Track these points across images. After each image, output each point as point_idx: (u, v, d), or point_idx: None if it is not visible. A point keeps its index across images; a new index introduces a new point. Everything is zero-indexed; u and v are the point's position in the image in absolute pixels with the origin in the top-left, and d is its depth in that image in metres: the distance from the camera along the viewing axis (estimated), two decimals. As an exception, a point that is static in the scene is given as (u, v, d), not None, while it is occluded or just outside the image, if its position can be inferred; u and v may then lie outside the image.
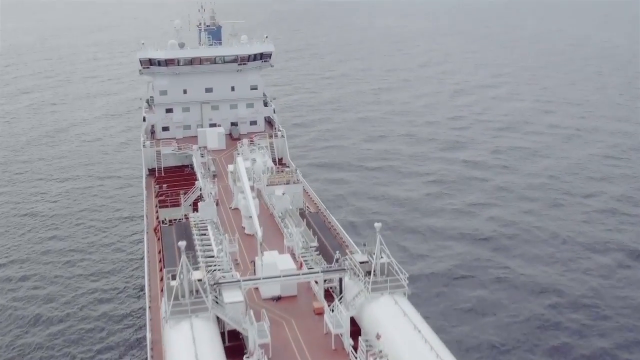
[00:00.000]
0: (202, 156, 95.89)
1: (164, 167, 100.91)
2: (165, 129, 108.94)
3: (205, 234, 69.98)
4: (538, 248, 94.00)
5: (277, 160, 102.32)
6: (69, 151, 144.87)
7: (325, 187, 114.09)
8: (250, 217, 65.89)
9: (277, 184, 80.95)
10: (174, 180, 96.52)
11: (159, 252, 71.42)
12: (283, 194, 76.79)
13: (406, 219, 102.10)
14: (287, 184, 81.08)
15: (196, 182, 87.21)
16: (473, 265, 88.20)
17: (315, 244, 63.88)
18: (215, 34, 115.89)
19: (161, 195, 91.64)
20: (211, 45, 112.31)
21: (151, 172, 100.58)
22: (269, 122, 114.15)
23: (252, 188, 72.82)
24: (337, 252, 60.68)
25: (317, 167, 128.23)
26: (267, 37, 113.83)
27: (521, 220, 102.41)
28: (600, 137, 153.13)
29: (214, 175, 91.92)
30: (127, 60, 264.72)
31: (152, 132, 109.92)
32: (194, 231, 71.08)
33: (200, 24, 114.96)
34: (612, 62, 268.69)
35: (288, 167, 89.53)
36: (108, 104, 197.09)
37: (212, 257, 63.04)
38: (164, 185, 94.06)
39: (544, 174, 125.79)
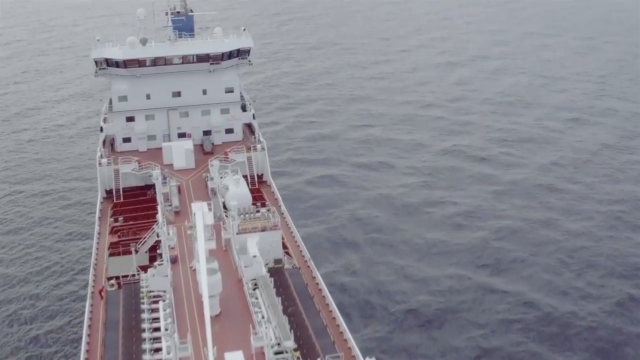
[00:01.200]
0: (165, 182, 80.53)
1: (124, 188, 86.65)
2: (126, 140, 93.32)
3: (157, 310, 56.93)
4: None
5: (256, 178, 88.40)
6: (23, 143, 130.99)
7: (310, 214, 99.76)
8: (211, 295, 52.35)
9: (250, 231, 67.26)
10: (134, 209, 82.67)
11: (104, 324, 58.48)
12: (254, 256, 61.76)
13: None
14: (263, 230, 67.71)
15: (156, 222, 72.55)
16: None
17: (292, 344, 50.54)
18: (185, 25, 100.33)
19: (116, 233, 78.39)
20: (180, 37, 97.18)
21: (109, 193, 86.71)
22: (249, 128, 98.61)
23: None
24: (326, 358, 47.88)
25: (301, 175, 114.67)
26: (244, 29, 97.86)
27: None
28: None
29: (176, 212, 77.02)
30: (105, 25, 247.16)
31: (112, 144, 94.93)
32: (145, 301, 58.01)
33: (167, 12, 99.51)
34: (620, 26, 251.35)
35: (267, 206, 74.11)
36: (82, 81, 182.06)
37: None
38: (120, 218, 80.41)
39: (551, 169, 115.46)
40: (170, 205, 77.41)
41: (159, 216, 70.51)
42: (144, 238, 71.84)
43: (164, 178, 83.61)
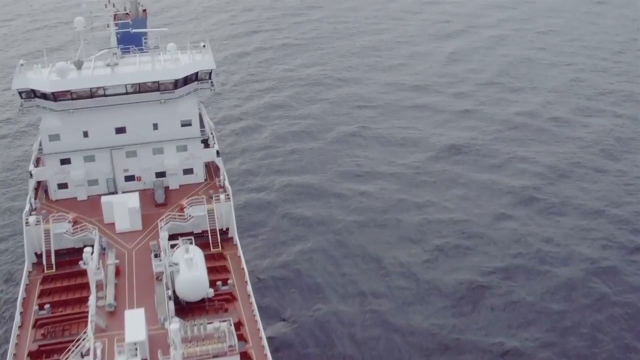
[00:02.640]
0: (103, 248, 65.01)
1: (58, 251, 69.88)
2: (62, 186, 76.30)
3: None
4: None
5: (219, 236, 71.57)
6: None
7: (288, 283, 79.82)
8: None
9: (199, 357, 52.41)
10: (66, 288, 66.17)
11: None
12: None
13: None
14: (216, 357, 52.41)
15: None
16: None
17: None
18: (133, 38, 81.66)
19: (40, 327, 63.16)
20: (127, 52, 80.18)
21: (39, 258, 70.11)
22: (213, 167, 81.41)
23: None
24: None
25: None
26: (204, 45, 79.86)
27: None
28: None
29: (110, 312, 59.92)
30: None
31: (46, 192, 77.83)
32: None
33: (111, 17, 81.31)
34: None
35: (228, 284, 62.42)
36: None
37: None
38: (47, 305, 63.36)
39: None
40: (104, 298, 60.38)
41: (88, 324, 55.83)
42: (69, 351, 55.48)
43: (103, 248, 68.45)
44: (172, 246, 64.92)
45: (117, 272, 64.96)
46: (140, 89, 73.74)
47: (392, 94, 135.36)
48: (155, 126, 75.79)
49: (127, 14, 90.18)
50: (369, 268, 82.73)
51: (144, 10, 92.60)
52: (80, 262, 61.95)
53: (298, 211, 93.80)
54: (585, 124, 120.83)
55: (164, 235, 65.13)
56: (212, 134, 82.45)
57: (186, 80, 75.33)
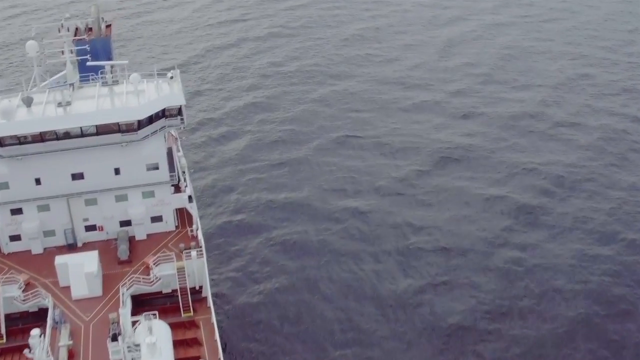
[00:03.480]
0: (56, 322, 56.80)
1: (9, 315, 61.60)
2: (14, 238, 67.52)
3: None
4: None
5: (189, 297, 62.83)
6: None
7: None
8: None
9: None
10: None
11: None
12: None
13: None
14: None
15: None
16: None
17: None
18: (98, 52, 73.00)
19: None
20: (86, 80, 71.33)
21: None
22: (185, 210, 71.45)
23: None
24: None
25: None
26: (171, 76, 69.94)
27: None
28: None
29: None
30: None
31: None
32: None
33: (69, 41, 71.19)
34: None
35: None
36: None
37: None
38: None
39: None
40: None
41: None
42: None
43: (56, 322, 60.54)
44: (135, 322, 56.55)
45: (71, 356, 57.59)
46: (99, 130, 64.80)
47: (386, 92, 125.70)
48: (117, 171, 66.75)
49: (89, 29, 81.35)
50: (371, 325, 72.33)
51: (108, 26, 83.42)
52: (26, 351, 54.27)
53: (281, 238, 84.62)
54: (591, 126, 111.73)
55: (124, 312, 57.26)
56: (184, 174, 73.24)
57: (151, 119, 66.28)
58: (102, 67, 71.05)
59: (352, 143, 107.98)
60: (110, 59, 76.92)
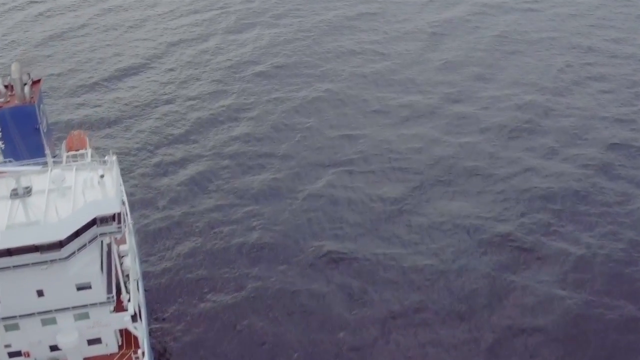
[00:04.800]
0: None
1: None
2: None
3: None
4: None
5: None
6: None
7: None
8: None
9: None
10: None
11: None
12: None
13: None
14: None
15: None
16: None
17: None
18: (22, 122, 60.44)
19: None
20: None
21: None
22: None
23: None
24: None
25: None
26: (102, 174, 55.53)
27: None
28: None
29: None
30: None
31: None
32: None
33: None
34: None
35: None
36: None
37: None
38: None
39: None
40: None
41: None
42: None
43: None
44: None
45: None
46: (12, 251, 52.83)
47: (379, 101, 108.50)
48: (40, 293, 54.53)
49: (7, 86, 67.50)
50: None
51: (35, 82, 69.47)
52: None
53: (252, 328, 67.71)
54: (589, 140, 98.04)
55: None
56: (124, 286, 58.70)
57: (78, 233, 54.07)
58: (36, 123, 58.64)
59: (340, 191, 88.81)
60: (37, 128, 64.21)
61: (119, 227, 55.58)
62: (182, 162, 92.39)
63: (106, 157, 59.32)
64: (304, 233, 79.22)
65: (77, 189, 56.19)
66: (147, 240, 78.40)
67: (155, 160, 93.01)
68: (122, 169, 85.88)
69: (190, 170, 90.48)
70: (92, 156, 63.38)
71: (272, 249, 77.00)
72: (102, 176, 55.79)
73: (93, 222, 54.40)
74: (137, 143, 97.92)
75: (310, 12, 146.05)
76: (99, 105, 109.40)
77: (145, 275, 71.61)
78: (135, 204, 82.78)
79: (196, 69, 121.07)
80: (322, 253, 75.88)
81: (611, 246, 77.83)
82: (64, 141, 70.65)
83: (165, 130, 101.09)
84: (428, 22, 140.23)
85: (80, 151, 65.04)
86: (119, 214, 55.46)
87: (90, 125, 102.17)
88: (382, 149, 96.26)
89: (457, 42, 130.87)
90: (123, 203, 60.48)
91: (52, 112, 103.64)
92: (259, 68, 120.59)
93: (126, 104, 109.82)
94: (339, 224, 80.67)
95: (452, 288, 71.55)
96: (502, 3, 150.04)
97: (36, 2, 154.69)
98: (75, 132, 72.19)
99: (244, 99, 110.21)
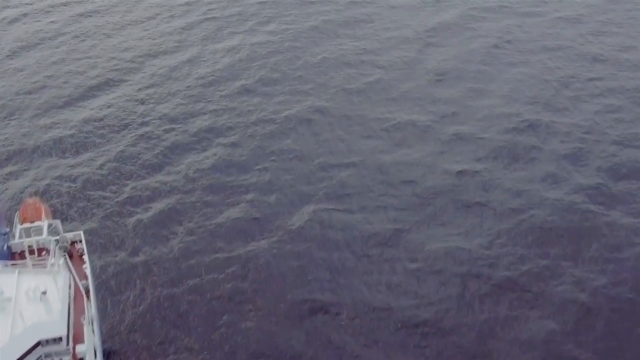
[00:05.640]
0: None
1: None
2: None
3: None
4: None
5: None
6: None
7: None
8: None
9: None
10: None
11: None
12: None
13: None
14: None
15: None
16: None
17: None
18: None
19: None
20: None
21: None
22: None
23: None
24: None
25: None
26: (44, 292, 48.27)
27: None
28: None
29: None
30: None
31: None
32: None
33: None
34: None
35: None
36: None
37: None
38: None
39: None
40: None
41: None
42: None
43: None
44: None
45: None
46: None
47: (370, 122, 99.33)
48: None
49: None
50: None
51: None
52: None
53: None
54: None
55: None
56: None
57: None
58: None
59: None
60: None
61: (68, 348, 47.51)
62: (153, 196, 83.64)
63: (52, 261, 52.01)
64: (283, 280, 70.63)
65: (18, 301, 48.48)
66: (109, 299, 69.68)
67: (124, 192, 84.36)
68: (87, 204, 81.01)
69: (162, 204, 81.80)
70: (48, 227, 58.05)
71: (247, 299, 68.40)
72: (44, 293, 48.07)
73: (37, 344, 46.52)
74: (106, 172, 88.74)
75: (296, 19, 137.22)
76: (68, 127, 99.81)
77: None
78: (98, 247, 74.33)
79: (174, 84, 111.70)
80: (303, 303, 67.60)
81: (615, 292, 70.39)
82: (17, 211, 63.90)
83: (137, 158, 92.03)
84: (421, 30, 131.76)
85: (36, 223, 59.25)
86: (64, 339, 47.76)
87: (58, 151, 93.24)
88: (371, 178, 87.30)
89: (452, 51, 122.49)
90: (87, 291, 54.43)
91: (17, 136, 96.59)
92: (240, 83, 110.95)
93: (97, 126, 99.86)
94: (322, 270, 71.76)
95: (447, 344, 63.84)
96: (499, 7, 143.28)
97: (8, 7, 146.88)
98: (30, 201, 65.44)
99: (225, 119, 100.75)
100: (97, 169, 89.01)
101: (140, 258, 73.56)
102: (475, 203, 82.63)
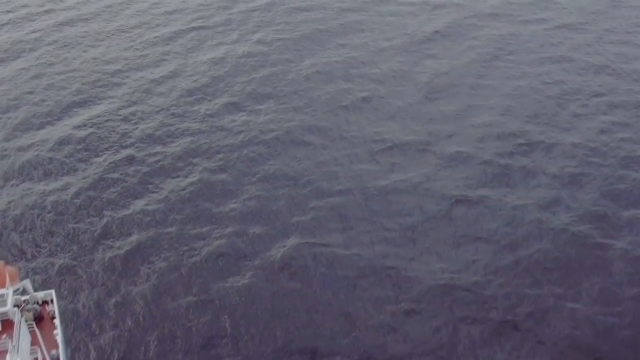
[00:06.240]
0: None
1: None
2: None
3: None
4: None
5: None
6: None
7: None
8: None
9: None
10: None
11: None
12: None
13: None
14: None
15: None
16: None
17: None
18: None
19: None
20: None
21: None
22: None
23: None
24: None
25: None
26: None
27: None
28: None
29: None
30: None
31: None
32: None
33: None
34: None
35: None
36: None
37: None
38: None
39: None
40: None
41: None
42: None
43: None
44: None
45: None
46: None
47: (362, 143, 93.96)
48: None
49: None
50: None
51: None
52: None
53: None
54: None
55: None
56: None
57: None
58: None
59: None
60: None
61: None
62: (131, 227, 77.87)
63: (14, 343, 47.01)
64: (265, 323, 65.89)
65: None
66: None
67: (101, 224, 78.63)
68: (61, 239, 75.55)
69: (140, 236, 76.23)
70: (15, 292, 53.75)
71: (226, 345, 63.49)
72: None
73: None
74: (83, 200, 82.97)
75: (286, 28, 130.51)
76: (45, 149, 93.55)
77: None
78: (71, 290, 69.16)
79: (157, 100, 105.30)
80: (287, 349, 62.91)
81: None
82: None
83: (117, 184, 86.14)
84: (416, 40, 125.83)
85: (0, 291, 54.46)
86: None
87: (33, 175, 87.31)
88: (361, 207, 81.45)
89: (447, 63, 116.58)
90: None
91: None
92: (226, 100, 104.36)
93: (75, 149, 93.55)
94: (305, 311, 66.91)
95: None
96: (497, 15, 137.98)
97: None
98: (-6, 266, 62.74)
99: (209, 140, 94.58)
100: (73, 197, 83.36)
101: (114, 299, 68.24)
102: (470, 236, 77.22)
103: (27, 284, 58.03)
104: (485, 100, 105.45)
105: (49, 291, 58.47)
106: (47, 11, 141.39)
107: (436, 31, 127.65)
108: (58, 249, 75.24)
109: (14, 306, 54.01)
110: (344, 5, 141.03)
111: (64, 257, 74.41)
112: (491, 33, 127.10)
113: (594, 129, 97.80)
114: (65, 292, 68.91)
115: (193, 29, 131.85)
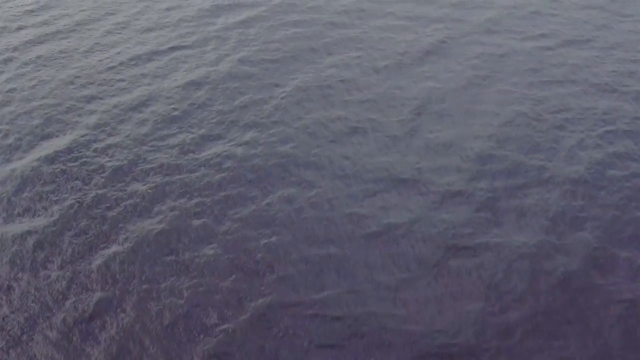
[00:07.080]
0: None
1: None
2: None
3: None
4: None
5: None
6: None
7: None
8: None
9: None
10: None
11: None
12: None
13: None
14: None
15: None
16: None
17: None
18: None
19: None
20: None
21: None
22: None
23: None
24: None
25: None
26: None
27: None
28: None
29: None
30: None
31: None
32: None
33: None
34: None
35: None
36: None
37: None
38: None
39: None
40: None
41: None
42: None
43: None
44: None
45: None
46: None
47: (351, 176, 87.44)
48: None
49: None
50: None
51: None
52: None
53: None
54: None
55: None
56: None
57: None
58: None
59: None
60: None
61: None
62: (89, 285, 75.31)
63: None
64: None
65: None
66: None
67: (60, 282, 76.19)
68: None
69: (96, 297, 73.45)
70: None
71: None
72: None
73: None
74: (43, 253, 79.06)
75: (268, 46, 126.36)
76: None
77: None
78: None
79: (125, 126, 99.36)
80: None
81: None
82: None
83: (79, 235, 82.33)
84: (410, 57, 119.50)
85: None
86: None
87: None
88: (349, 265, 78.28)
89: (440, 83, 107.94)
90: None
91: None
92: (202, 132, 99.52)
93: (33, 190, 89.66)
94: None
95: None
96: (493, 28, 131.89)
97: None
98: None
99: (180, 178, 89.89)
100: (35, 246, 78.87)
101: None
102: (458, 292, 72.82)
103: None
104: (481, 129, 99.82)
105: None
106: (20, 27, 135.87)
107: (429, 50, 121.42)
108: (12, 308, 69.94)
109: None
110: (332, 20, 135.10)
111: (20, 318, 68.61)
112: (488, 52, 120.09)
113: (597, 160, 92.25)
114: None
115: (173, 48, 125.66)
